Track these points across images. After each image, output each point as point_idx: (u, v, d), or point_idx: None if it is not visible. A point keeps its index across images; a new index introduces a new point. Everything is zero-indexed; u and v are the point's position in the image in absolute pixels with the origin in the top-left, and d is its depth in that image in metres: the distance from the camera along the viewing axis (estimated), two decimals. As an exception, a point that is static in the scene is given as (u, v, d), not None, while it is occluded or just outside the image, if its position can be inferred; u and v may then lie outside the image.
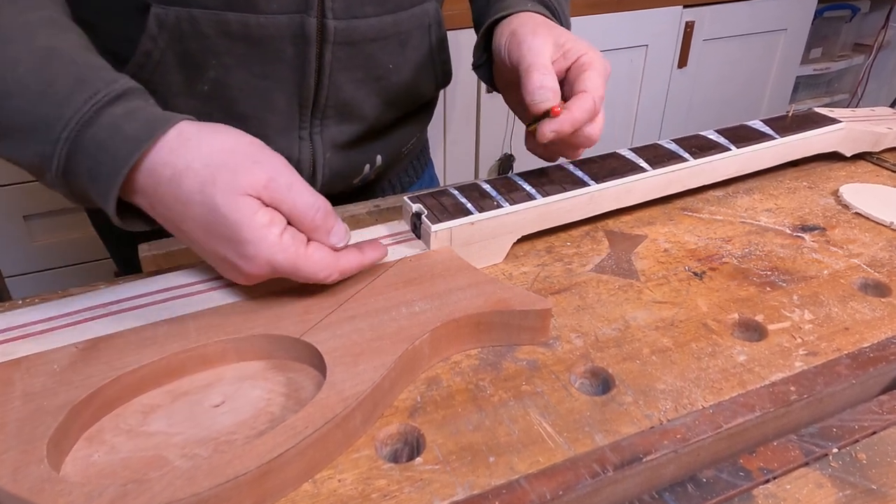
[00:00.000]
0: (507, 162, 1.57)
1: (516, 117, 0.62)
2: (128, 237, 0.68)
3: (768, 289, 0.50)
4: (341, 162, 0.64)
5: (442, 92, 1.48)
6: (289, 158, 0.61)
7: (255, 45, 0.54)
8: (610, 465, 0.35)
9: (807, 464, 0.37)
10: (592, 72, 0.53)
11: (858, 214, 0.60)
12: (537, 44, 0.54)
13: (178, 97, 0.56)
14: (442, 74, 0.70)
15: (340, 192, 0.67)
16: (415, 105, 0.69)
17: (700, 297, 0.49)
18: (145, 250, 0.54)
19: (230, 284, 0.47)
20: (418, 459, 0.36)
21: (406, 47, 0.62)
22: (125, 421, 0.38)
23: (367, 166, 0.67)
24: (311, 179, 0.63)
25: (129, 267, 0.71)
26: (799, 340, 0.44)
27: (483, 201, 0.52)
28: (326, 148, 0.62)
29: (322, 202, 0.43)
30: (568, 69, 0.54)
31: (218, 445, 0.36)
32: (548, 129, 0.50)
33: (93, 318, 0.44)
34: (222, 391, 0.40)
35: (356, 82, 0.60)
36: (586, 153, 0.62)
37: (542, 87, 0.51)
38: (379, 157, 0.67)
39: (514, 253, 0.55)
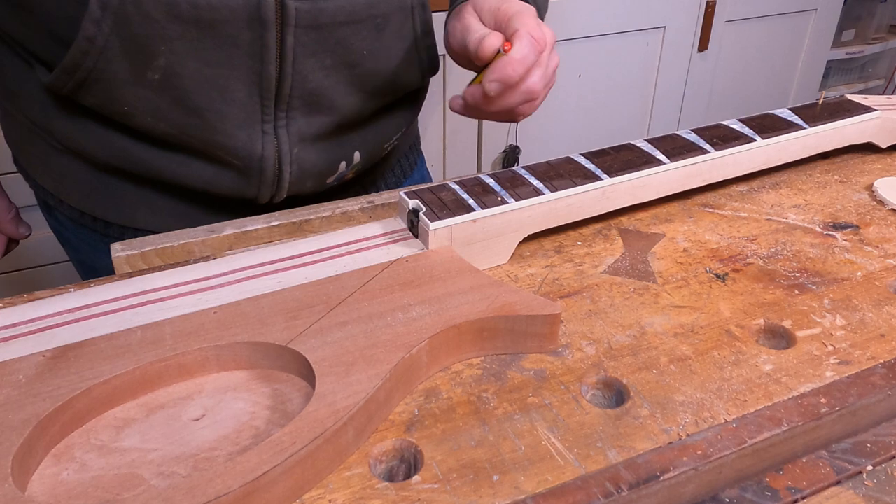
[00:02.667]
0: (512, 154, 1.57)
1: None
2: (90, 239, 0.68)
3: (797, 292, 0.50)
4: (313, 158, 0.63)
5: (441, 78, 1.48)
6: (251, 154, 0.60)
7: (207, 29, 0.53)
8: (624, 483, 0.35)
9: (839, 482, 0.37)
10: (519, 14, 0.57)
11: (895, 211, 0.60)
12: (469, 20, 0.59)
13: (127, 87, 0.55)
14: (428, 61, 0.69)
15: (313, 193, 0.67)
16: (397, 95, 0.69)
17: (722, 301, 0.49)
18: (118, 250, 0.54)
19: (210, 288, 0.47)
20: (416, 478, 0.36)
21: (384, 32, 0.62)
22: (97, 436, 0.38)
23: (343, 164, 0.66)
24: (278, 178, 0.62)
25: (90, 273, 0.71)
26: (830, 348, 0.44)
27: (486, 197, 0.52)
28: (294, 143, 0.61)
29: None
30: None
31: (197, 463, 0.36)
32: (490, 79, 0.54)
33: (61, 324, 0.44)
34: (202, 404, 0.40)
35: (325, 70, 0.60)
36: (597, 144, 0.62)
37: (480, 36, 0.56)
38: (357, 154, 0.67)
39: (519, 253, 0.55)
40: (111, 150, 0.61)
